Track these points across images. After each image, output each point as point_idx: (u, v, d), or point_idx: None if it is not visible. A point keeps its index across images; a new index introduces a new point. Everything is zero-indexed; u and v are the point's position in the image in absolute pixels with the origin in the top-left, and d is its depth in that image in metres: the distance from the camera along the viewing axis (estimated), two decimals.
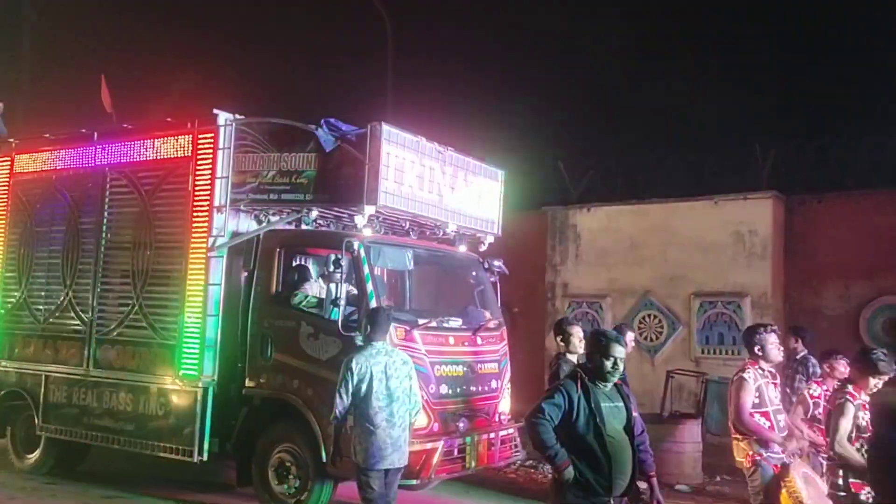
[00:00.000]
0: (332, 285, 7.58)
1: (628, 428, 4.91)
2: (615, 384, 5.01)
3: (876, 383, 6.07)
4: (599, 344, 4.98)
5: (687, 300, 13.53)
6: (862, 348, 6.66)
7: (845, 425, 5.87)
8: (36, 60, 18.14)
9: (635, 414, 5.06)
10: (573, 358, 7.38)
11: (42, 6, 18.67)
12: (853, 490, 5.76)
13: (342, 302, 7.50)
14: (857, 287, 12.55)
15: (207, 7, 19.05)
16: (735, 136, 14.10)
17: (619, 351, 4.93)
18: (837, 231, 12.74)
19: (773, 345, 6.29)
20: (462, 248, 9.05)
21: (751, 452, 6.16)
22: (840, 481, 5.85)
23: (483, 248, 9.21)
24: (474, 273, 8.92)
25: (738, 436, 6.27)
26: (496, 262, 8.97)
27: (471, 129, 8.06)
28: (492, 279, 8.98)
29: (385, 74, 16.44)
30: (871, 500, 5.60)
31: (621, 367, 4.99)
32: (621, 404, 4.94)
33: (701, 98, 15.44)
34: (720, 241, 13.20)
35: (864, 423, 5.91)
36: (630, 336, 8.12)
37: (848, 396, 5.97)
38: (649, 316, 13.94)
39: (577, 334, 7.58)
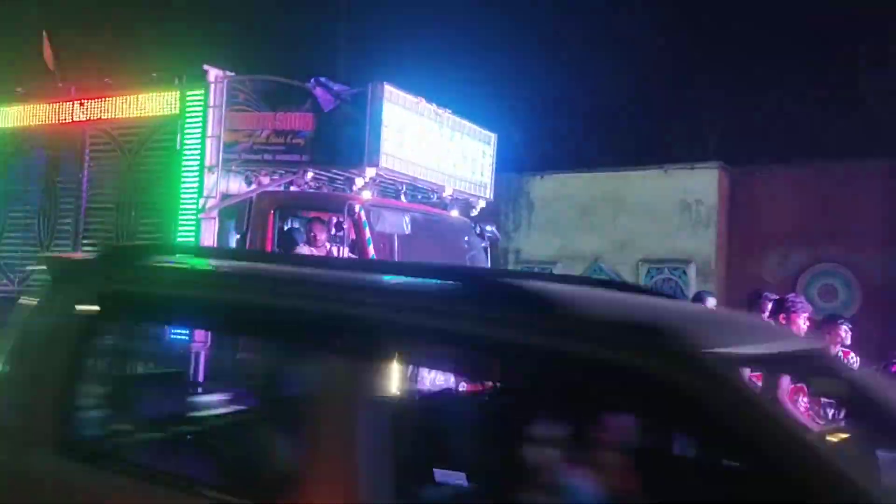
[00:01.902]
0: (334, 248, 6.69)
1: None
2: None
3: (803, 325, 5.77)
4: None
5: (635, 266, 13.11)
6: (775, 300, 6.26)
7: (784, 381, 5.39)
8: None
9: None
10: None
11: None
12: None
13: None
14: (796, 255, 12.32)
15: None
16: (684, 106, 13.77)
17: None
18: (778, 200, 12.44)
19: None
20: (454, 213, 8.23)
21: None
22: None
23: (474, 212, 8.44)
24: (466, 238, 8.18)
25: None
26: (488, 228, 8.27)
27: (423, 94, 7.23)
28: (483, 244, 8.22)
29: (337, 35, 15.50)
30: None
31: None
32: None
33: (652, 68, 14.94)
34: (668, 209, 12.81)
35: None
36: (711, 302, 7.23)
37: None
38: None
39: None
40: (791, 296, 6.34)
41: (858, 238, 11.49)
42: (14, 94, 8.66)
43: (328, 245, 7.56)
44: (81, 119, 8.07)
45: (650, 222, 12.86)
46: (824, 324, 6.79)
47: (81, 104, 8.07)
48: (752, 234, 12.64)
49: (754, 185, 12.77)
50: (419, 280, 2.48)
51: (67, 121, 8.17)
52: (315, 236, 7.34)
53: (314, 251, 7.25)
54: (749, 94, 13.99)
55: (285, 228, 7.59)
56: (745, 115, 12.84)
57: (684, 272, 12.67)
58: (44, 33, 9.02)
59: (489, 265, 8.37)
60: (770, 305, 6.86)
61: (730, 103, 13.98)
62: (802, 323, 5.72)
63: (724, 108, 13.37)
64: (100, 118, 7.98)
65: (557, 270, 13.68)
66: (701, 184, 12.64)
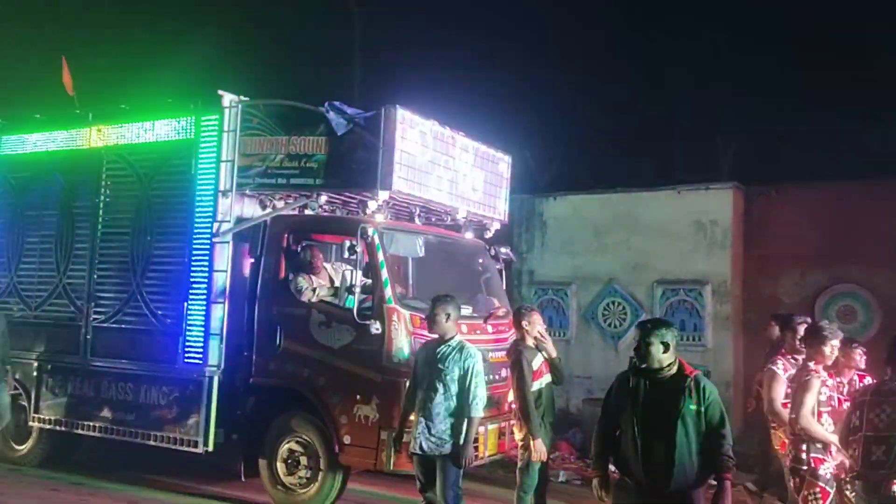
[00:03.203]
0: (347, 272, 6.68)
1: None
2: None
3: (831, 350, 5.65)
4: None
5: (650, 287, 12.97)
6: (806, 327, 6.13)
7: (810, 400, 5.43)
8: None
9: None
10: (531, 344, 6.51)
11: None
12: (813, 465, 5.40)
13: (357, 289, 6.59)
14: (813, 275, 12.15)
15: None
16: (699, 127, 13.70)
17: None
18: (794, 221, 12.31)
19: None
20: (468, 235, 8.20)
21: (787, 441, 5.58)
22: (803, 455, 5.43)
23: (489, 234, 8.40)
24: (481, 260, 8.14)
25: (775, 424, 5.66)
26: (503, 249, 8.23)
27: (434, 117, 7.21)
28: (498, 266, 8.17)
29: (352, 60, 15.60)
30: (830, 475, 5.34)
31: None
32: None
33: (666, 90, 14.92)
34: (682, 230, 12.69)
35: (824, 399, 5.52)
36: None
37: (812, 373, 5.53)
38: (613, 303, 13.34)
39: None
40: (825, 323, 6.17)
41: (877, 258, 11.30)
42: (33, 120, 8.74)
43: (328, 269, 7.57)
44: (99, 144, 8.13)
45: (665, 243, 12.74)
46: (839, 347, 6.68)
47: (99, 130, 8.15)
48: (768, 254, 12.49)
49: (770, 205, 12.64)
50: None
51: (85, 146, 8.22)
52: (311, 263, 7.33)
53: (314, 279, 7.26)
54: (764, 112, 13.94)
55: (301, 251, 7.60)
56: (760, 135, 12.76)
57: (700, 293, 12.53)
58: (63, 60, 9.15)
59: (504, 287, 8.31)
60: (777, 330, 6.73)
61: (744, 122, 13.92)
62: (830, 351, 5.59)
63: (739, 128, 13.31)
64: (116, 143, 8.05)
65: (571, 292, 13.63)
66: (716, 204, 12.52)
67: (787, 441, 5.65)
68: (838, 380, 6.13)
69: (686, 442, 4.24)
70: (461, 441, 5.63)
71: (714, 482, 4.36)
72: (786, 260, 12.34)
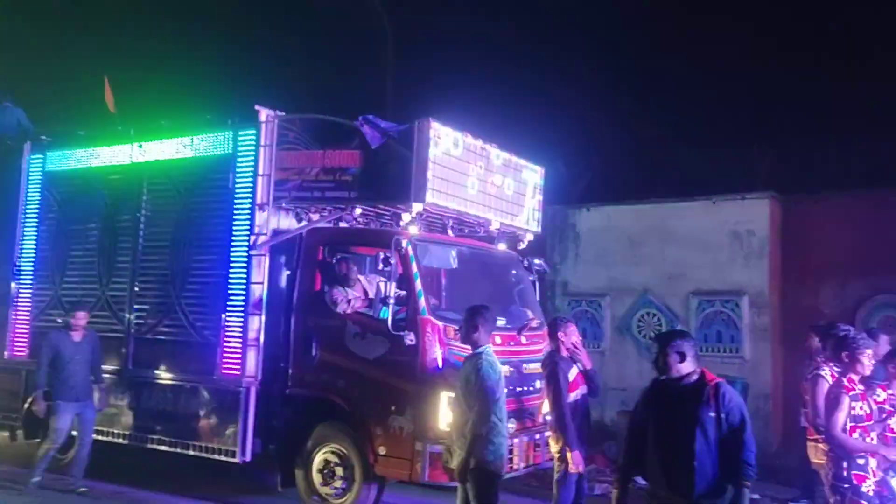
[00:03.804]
0: (381, 283, 6.74)
1: None
2: None
3: (868, 360, 5.51)
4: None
5: (685, 299, 12.83)
6: (837, 340, 5.90)
7: (841, 417, 5.32)
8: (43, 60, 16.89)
9: None
10: (566, 355, 6.48)
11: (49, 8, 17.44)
12: (855, 482, 5.28)
13: (391, 301, 6.65)
14: (854, 286, 11.94)
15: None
16: (733, 136, 13.55)
17: None
18: (834, 230, 12.12)
19: None
20: (501, 246, 8.22)
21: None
22: (844, 472, 5.32)
23: (522, 245, 8.41)
24: (514, 271, 8.15)
25: (815, 436, 5.56)
26: (536, 261, 8.22)
27: (468, 129, 7.24)
28: (531, 278, 8.18)
29: (385, 73, 15.67)
30: (872, 492, 5.23)
31: None
32: None
33: (700, 98, 14.77)
34: (718, 240, 12.55)
35: (862, 413, 5.39)
36: (884, 339, 6.77)
37: (843, 389, 5.40)
38: (648, 314, 13.23)
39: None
40: (856, 333, 5.99)
41: None
42: (76, 137, 8.99)
43: (362, 281, 7.64)
44: (140, 160, 8.33)
45: (700, 254, 12.61)
46: (887, 359, 6.54)
47: (140, 146, 8.35)
48: (807, 264, 12.30)
49: (808, 215, 12.46)
50: None
51: (126, 162, 8.43)
52: (346, 275, 7.40)
53: (348, 291, 7.34)
54: (802, 120, 13.73)
55: (336, 263, 7.69)
56: (798, 142, 12.58)
57: (737, 304, 12.38)
58: (105, 78, 9.39)
59: (537, 299, 8.31)
60: (817, 341, 6.59)
61: (781, 130, 13.72)
62: (867, 361, 5.49)
63: (776, 136, 13.12)
64: (157, 159, 8.23)
65: (606, 303, 13.55)
66: (752, 214, 12.37)
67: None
68: (890, 391, 5.91)
69: (706, 450, 4.23)
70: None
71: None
72: (825, 270, 12.15)
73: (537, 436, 7.28)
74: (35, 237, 8.98)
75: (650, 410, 4.48)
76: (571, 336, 6.47)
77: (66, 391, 7.66)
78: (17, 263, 8.99)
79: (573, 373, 6.36)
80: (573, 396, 6.31)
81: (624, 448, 4.67)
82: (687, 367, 4.40)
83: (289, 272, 7.50)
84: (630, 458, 4.58)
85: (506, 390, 5.76)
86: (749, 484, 4.26)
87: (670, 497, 4.31)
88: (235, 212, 7.57)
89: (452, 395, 5.89)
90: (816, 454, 5.73)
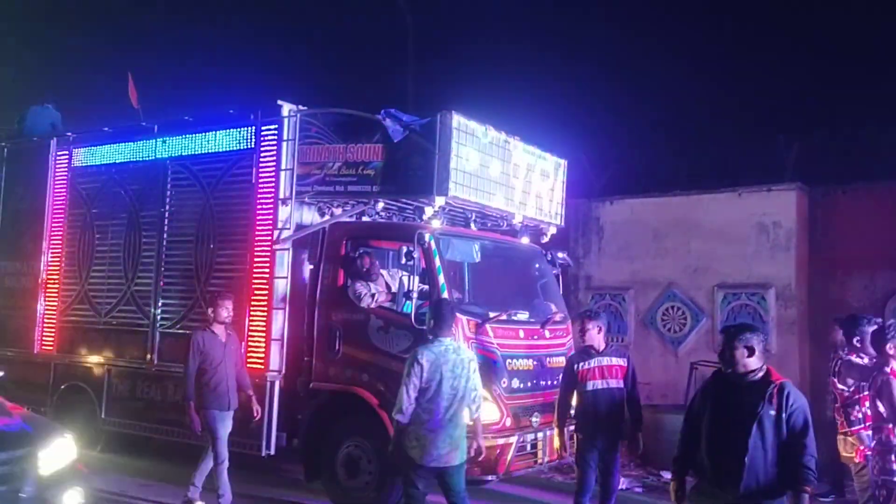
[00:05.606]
0: (404, 277, 6.73)
1: None
2: None
3: None
4: None
5: (710, 292, 12.64)
6: (872, 331, 5.81)
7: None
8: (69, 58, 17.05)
9: None
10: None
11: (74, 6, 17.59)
12: None
13: (415, 294, 6.63)
14: (883, 278, 11.73)
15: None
16: (759, 127, 13.38)
17: None
18: (862, 222, 11.90)
19: None
20: (524, 240, 8.17)
21: (861, 448, 5.36)
22: (893, 465, 5.23)
23: (545, 239, 8.34)
24: (537, 265, 8.09)
25: (845, 430, 5.47)
26: (560, 254, 8.15)
27: (490, 122, 7.18)
28: (555, 271, 8.12)
29: (407, 69, 15.64)
30: None
31: None
32: None
33: (725, 89, 14.59)
34: (744, 232, 12.35)
35: None
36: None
37: (891, 377, 5.30)
38: (673, 308, 13.06)
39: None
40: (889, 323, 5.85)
41: None
42: (101, 133, 9.05)
43: (385, 275, 7.62)
44: (164, 155, 8.38)
45: (725, 247, 12.44)
46: None
47: (163, 141, 8.40)
48: (834, 256, 12.11)
49: (836, 206, 12.26)
50: None
51: (151, 157, 8.49)
52: (369, 269, 7.36)
53: (371, 285, 7.32)
54: (829, 109, 13.52)
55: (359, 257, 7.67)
56: (825, 132, 12.39)
57: (763, 297, 12.21)
58: (129, 74, 9.46)
59: (561, 292, 8.25)
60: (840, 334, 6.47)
61: (808, 120, 13.50)
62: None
63: (802, 126, 12.94)
64: (180, 153, 8.28)
65: (630, 297, 13.44)
66: (778, 206, 12.18)
67: (860, 450, 5.46)
68: None
69: (761, 447, 4.10)
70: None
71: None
72: (854, 262, 11.94)
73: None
74: (61, 233, 9.07)
75: (707, 402, 4.35)
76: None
77: (215, 399, 6.80)
78: (45, 259, 9.08)
79: (589, 364, 6.27)
80: (590, 386, 6.22)
81: (679, 441, 4.53)
82: (754, 362, 4.25)
83: (312, 266, 7.49)
84: (684, 452, 4.46)
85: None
86: (809, 490, 4.10)
87: (714, 491, 4.22)
88: (258, 206, 7.59)
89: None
90: (846, 448, 5.63)
